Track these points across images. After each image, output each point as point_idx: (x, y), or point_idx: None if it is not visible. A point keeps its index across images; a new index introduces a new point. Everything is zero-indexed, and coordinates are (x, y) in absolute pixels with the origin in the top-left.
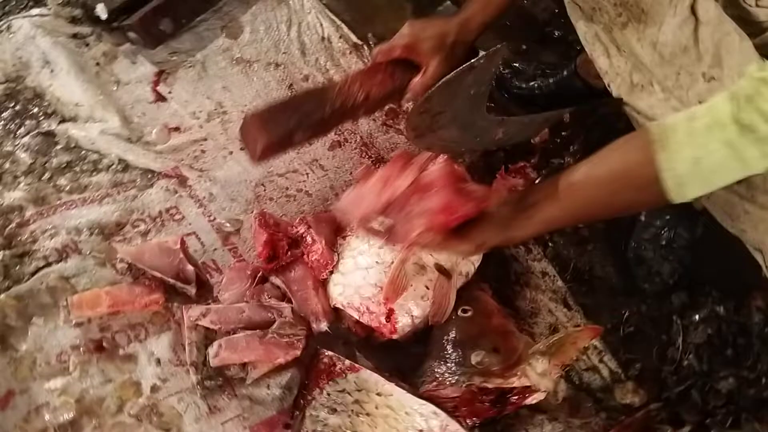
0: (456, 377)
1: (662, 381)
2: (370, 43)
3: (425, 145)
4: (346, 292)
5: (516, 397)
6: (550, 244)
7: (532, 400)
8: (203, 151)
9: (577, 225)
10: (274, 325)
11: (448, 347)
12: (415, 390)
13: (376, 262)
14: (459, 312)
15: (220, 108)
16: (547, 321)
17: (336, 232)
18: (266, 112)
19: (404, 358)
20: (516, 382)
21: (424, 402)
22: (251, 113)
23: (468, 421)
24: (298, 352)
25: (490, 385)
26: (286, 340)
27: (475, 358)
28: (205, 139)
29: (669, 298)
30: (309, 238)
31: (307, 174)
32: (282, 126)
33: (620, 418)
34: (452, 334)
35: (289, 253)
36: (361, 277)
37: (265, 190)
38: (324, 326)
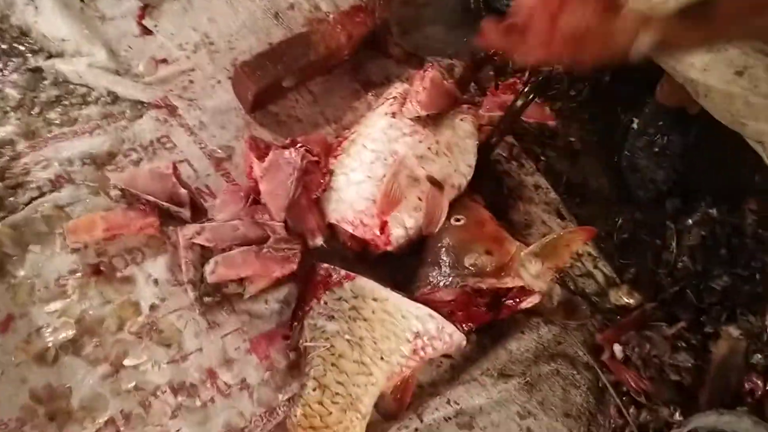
0: (450, 279)
1: (657, 283)
2: None
3: (411, 45)
4: (340, 207)
5: (511, 301)
6: (542, 158)
7: (527, 303)
8: (192, 81)
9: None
10: (270, 241)
11: (442, 253)
12: (410, 295)
13: (368, 176)
14: (452, 221)
15: (207, 39)
16: (540, 231)
17: (327, 151)
18: (253, 62)
19: (400, 270)
20: (510, 282)
21: (419, 305)
22: (239, 64)
23: (464, 326)
24: (294, 266)
25: (484, 286)
26: (281, 254)
27: (468, 260)
28: (193, 70)
29: (663, 204)
30: None
31: (297, 100)
32: (270, 73)
33: (616, 318)
34: (446, 241)
35: None
36: (354, 192)
37: (255, 117)
38: (319, 241)
